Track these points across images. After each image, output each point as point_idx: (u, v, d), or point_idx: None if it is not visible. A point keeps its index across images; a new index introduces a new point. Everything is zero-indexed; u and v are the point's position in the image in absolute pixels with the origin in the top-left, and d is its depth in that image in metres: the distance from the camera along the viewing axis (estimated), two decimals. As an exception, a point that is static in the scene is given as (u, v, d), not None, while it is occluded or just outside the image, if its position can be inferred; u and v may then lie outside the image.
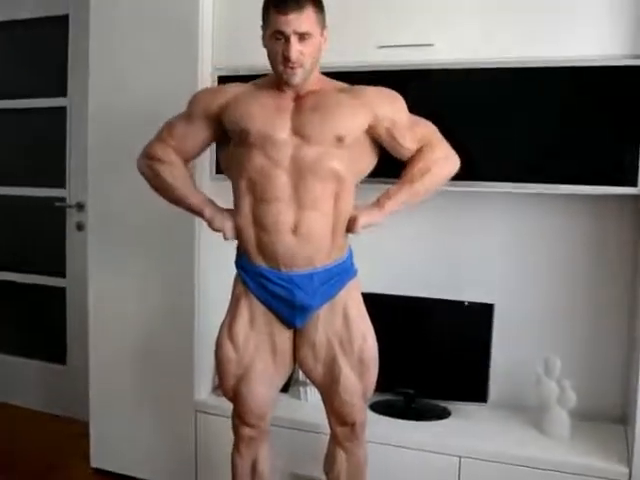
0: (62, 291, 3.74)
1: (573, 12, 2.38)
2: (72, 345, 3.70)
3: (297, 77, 2.01)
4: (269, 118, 2.04)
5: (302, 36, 1.96)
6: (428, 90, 2.52)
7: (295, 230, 2.02)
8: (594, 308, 2.69)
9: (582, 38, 2.37)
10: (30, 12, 3.67)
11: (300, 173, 2.01)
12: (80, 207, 3.59)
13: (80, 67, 3.36)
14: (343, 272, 2.14)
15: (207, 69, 2.78)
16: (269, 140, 2.02)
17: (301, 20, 1.94)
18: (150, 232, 2.89)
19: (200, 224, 2.73)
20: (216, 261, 2.81)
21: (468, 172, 2.50)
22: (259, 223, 2.05)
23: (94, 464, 3.10)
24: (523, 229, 2.76)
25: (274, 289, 2.09)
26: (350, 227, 2.08)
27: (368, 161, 2.16)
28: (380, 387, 2.74)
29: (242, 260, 2.15)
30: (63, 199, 3.67)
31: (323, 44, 2.05)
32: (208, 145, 2.25)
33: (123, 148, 2.89)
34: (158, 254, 2.89)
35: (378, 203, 2.10)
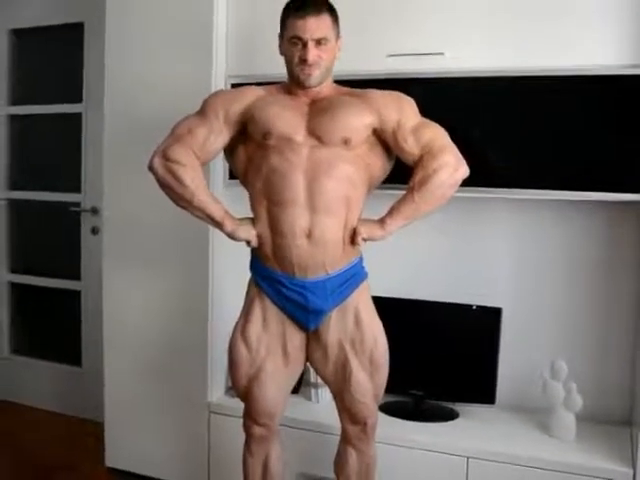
0: (77, 294, 3.79)
1: (582, 21, 2.40)
2: (87, 347, 3.75)
3: (313, 79, 2.09)
4: (290, 119, 2.10)
5: (319, 41, 2.05)
6: (437, 99, 2.54)
7: (309, 235, 2.07)
8: (600, 312, 2.71)
9: (593, 47, 2.39)
10: (46, 20, 3.72)
11: (314, 174, 2.06)
12: (95, 211, 3.64)
13: (95, 74, 3.41)
14: (354, 276, 2.18)
15: (221, 76, 2.82)
16: (288, 141, 2.08)
17: (319, 25, 2.05)
18: (164, 236, 2.93)
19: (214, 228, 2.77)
20: (230, 264, 2.84)
21: (477, 178, 2.54)
22: (275, 227, 2.10)
23: (108, 464, 3.14)
24: (531, 234, 2.79)
25: (288, 293, 2.13)
26: (351, 238, 2.12)
27: (380, 165, 2.18)
28: (390, 389, 2.78)
29: (256, 264, 2.20)
30: (78, 204, 3.72)
31: (337, 52, 2.14)
32: (222, 149, 2.27)
33: (137, 154, 2.92)
34: (172, 258, 2.93)
35: (382, 221, 2.13)
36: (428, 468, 2.52)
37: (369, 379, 2.18)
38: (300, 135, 2.08)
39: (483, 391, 2.70)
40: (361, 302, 2.19)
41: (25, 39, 3.89)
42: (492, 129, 2.53)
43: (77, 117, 3.68)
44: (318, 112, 2.11)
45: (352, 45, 2.61)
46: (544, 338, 2.78)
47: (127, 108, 2.97)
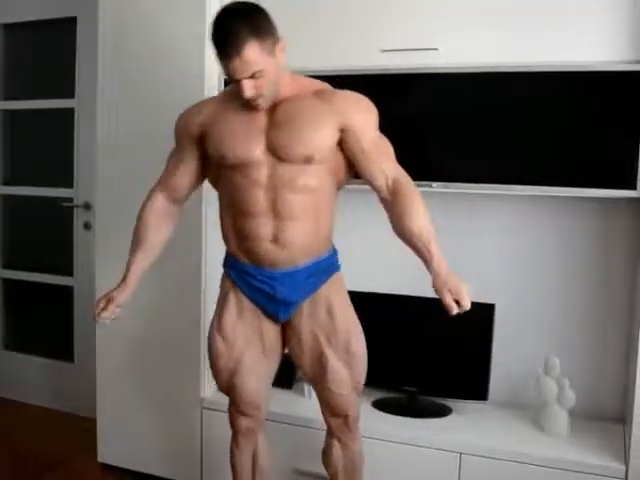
0: (70, 290, 3.78)
1: (575, 18, 2.41)
2: (79, 343, 3.74)
3: (263, 104, 1.99)
4: (244, 141, 2.03)
5: (252, 75, 1.90)
6: (431, 94, 2.55)
7: (275, 240, 2.07)
8: (594, 308, 2.72)
9: (585, 43, 2.41)
10: (39, 14, 3.70)
11: (276, 189, 2.03)
12: (87, 207, 3.63)
13: (88, 69, 3.40)
14: (325, 268, 2.17)
15: (214, 71, 2.81)
16: (246, 162, 2.04)
17: (245, 63, 1.87)
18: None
19: (207, 223, 2.77)
20: (223, 260, 2.83)
21: (471, 174, 2.55)
22: (240, 233, 2.11)
23: (101, 459, 3.14)
24: (524, 230, 2.79)
25: (257, 284, 2.14)
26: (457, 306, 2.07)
27: (345, 171, 2.13)
28: (383, 385, 2.80)
29: (228, 257, 2.23)
30: (71, 199, 3.71)
31: (281, 58, 1.96)
32: (200, 175, 2.23)
33: (130, 149, 2.93)
34: (165, 253, 2.91)
35: (436, 266, 2.09)
36: (421, 464, 2.53)
37: (346, 370, 2.17)
38: (258, 153, 2.02)
39: (476, 387, 2.71)
40: (333, 294, 2.17)
41: (17, 34, 3.86)
42: (486, 125, 2.53)
43: (70, 112, 3.66)
44: (278, 124, 2.02)
45: (346, 41, 2.63)
46: (537, 334, 2.78)
47: (120, 103, 2.96)
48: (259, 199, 2.04)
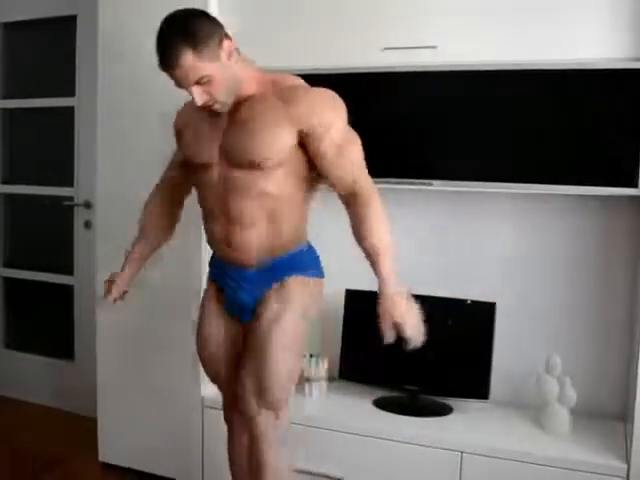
0: (70, 288, 3.78)
1: (575, 15, 2.41)
2: (80, 341, 3.74)
3: (219, 108, 1.97)
4: (205, 142, 2.04)
5: (198, 82, 1.88)
6: (431, 92, 2.54)
7: (228, 243, 2.07)
8: (595, 307, 2.71)
9: (585, 41, 2.40)
10: (39, 12, 3.70)
11: (228, 194, 2.01)
12: (88, 206, 3.63)
13: (88, 67, 3.40)
14: (284, 269, 2.09)
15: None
16: (201, 166, 2.06)
17: (185, 73, 1.86)
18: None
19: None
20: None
21: (471, 172, 2.55)
22: (207, 230, 2.17)
23: (102, 458, 3.14)
24: (526, 229, 2.78)
25: (226, 280, 2.17)
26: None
27: (309, 167, 2.04)
28: (384, 384, 2.79)
29: (211, 257, 2.27)
30: (71, 198, 3.71)
31: (228, 59, 1.91)
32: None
33: (131, 147, 2.93)
34: (165, 252, 2.91)
35: (382, 286, 2.04)
36: (422, 463, 2.52)
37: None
38: (212, 155, 2.03)
39: (477, 386, 2.70)
40: (285, 304, 2.06)
41: (18, 32, 3.86)
42: (486, 122, 2.53)
43: (70, 111, 3.66)
44: (235, 126, 1.99)
45: (346, 39, 2.62)
46: (538, 333, 2.78)
47: (120, 102, 2.96)
48: (213, 202, 2.06)
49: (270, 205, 2.00)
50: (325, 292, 2.21)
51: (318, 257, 2.19)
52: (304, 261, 2.13)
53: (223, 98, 1.94)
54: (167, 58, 1.86)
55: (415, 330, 1.95)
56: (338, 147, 1.96)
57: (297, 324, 2.07)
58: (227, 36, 1.93)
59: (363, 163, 2.02)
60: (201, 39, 1.85)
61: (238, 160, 1.97)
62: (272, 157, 1.94)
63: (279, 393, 2.06)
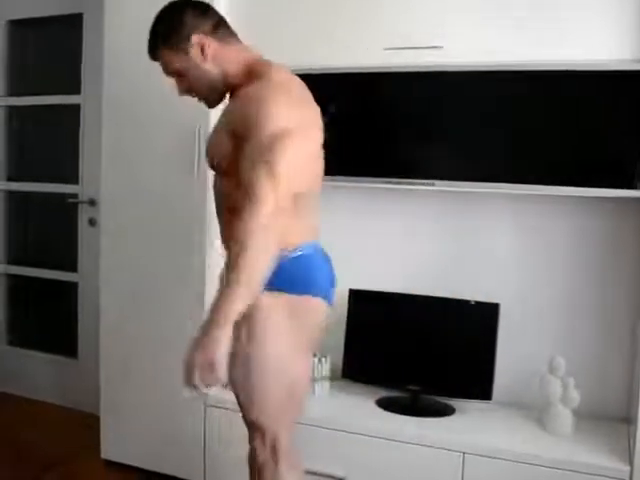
0: (74, 286, 3.79)
1: (577, 17, 2.40)
2: (84, 339, 3.75)
3: (206, 102, 2.00)
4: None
5: (173, 74, 1.96)
6: (435, 92, 2.54)
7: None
8: (598, 308, 2.70)
9: (588, 42, 2.39)
10: (45, 10, 3.71)
11: (216, 196, 2.02)
12: (92, 203, 3.64)
13: (94, 65, 3.41)
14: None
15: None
16: None
17: (162, 66, 1.96)
18: (161, 228, 2.92)
19: (211, 221, 2.76)
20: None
21: (475, 173, 2.55)
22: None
23: (104, 456, 3.14)
24: (529, 230, 2.78)
25: None
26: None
27: None
28: (386, 384, 2.79)
29: None
30: (76, 195, 3.72)
31: (203, 52, 1.89)
32: None
33: (135, 145, 2.93)
34: (169, 249, 2.92)
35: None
36: (424, 463, 2.52)
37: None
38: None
39: (480, 387, 2.70)
40: (249, 318, 1.80)
41: (23, 30, 3.87)
42: (490, 123, 2.52)
43: (75, 109, 3.67)
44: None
45: (349, 39, 2.62)
46: (542, 334, 2.77)
47: (126, 99, 2.96)
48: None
49: (234, 203, 1.80)
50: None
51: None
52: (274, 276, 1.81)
53: (204, 93, 1.96)
54: (148, 49, 1.96)
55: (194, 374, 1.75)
56: (252, 150, 1.76)
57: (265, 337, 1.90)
58: (206, 30, 1.90)
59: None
60: (169, 32, 1.90)
61: (207, 159, 1.99)
62: (228, 158, 1.85)
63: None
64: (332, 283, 2.03)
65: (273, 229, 1.69)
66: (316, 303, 1.94)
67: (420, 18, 2.58)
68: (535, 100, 2.46)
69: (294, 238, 1.88)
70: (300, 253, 1.90)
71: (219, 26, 1.95)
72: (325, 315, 2.00)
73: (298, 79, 1.96)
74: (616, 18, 2.35)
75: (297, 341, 1.92)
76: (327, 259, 2.03)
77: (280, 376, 1.92)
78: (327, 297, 1.98)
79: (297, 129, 1.77)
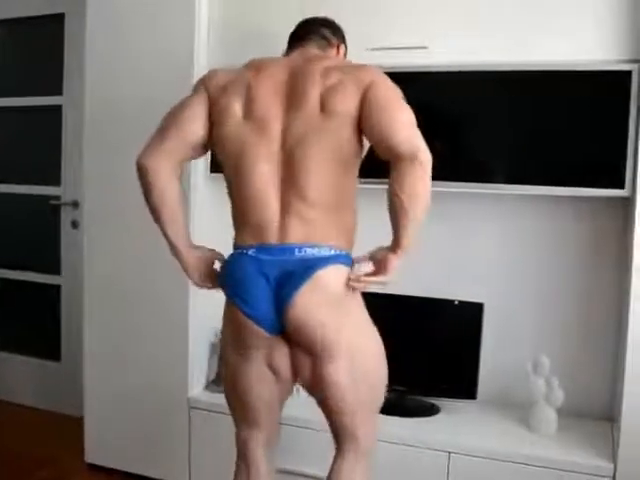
0: (57, 288, 3.76)
1: (563, 18, 2.40)
2: (67, 342, 3.72)
3: None
4: None
5: None
6: (421, 93, 2.53)
7: None
8: (582, 307, 2.72)
9: (573, 43, 2.39)
10: (26, 10, 3.68)
11: None
12: (75, 205, 3.61)
13: (76, 65, 3.39)
14: None
15: (202, 68, 2.80)
16: None
17: None
18: (145, 229, 2.89)
19: (195, 219, 2.75)
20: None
21: (461, 173, 2.55)
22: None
23: (88, 459, 3.12)
24: (513, 230, 2.79)
25: None
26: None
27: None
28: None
29: None
30: (58, 197, 3.69)
31: None
32: None
33: (118, 146, 2.92)
34: (153, 251, 2.90)
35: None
36: (409, 463, 2.52)
37: None
38: None
39: (464, 386, 2.70)
40: None
41: (5, 30, 3.84)
42: (475, 124, 2.53)
43: (57, 110, 3.64)
44: None
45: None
46: (526, 333, 2.78)
47: (108, 100, 2.94)
48: None
49: None
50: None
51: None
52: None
53: None
54: None
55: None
56: None
57: None
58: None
59: None
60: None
61: None
62: None
63: None
64: None
65: None
66: None
67: (405, 18, 2.58)
68: (520, 100, 2.47)
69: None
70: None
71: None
72: None
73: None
74: (601, 19, 2.36)
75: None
76: None
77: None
78: None
79: None
